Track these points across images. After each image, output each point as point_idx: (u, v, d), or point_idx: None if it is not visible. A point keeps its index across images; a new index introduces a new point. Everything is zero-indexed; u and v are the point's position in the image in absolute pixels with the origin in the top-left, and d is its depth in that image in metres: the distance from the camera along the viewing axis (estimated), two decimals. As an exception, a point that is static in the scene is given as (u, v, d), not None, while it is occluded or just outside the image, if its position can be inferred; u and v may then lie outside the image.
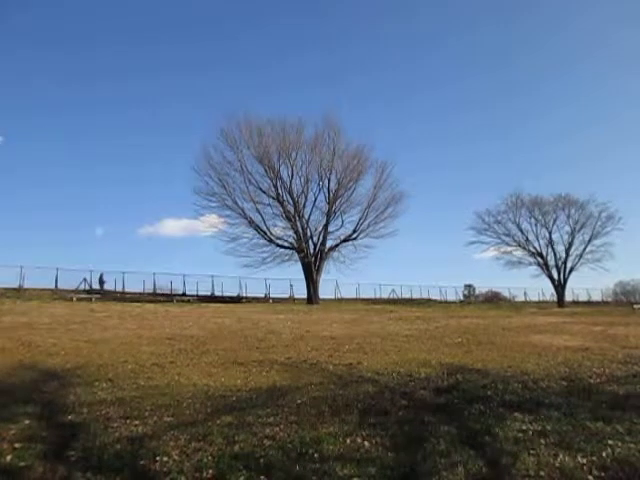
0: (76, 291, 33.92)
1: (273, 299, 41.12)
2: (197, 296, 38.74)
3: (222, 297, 39.98)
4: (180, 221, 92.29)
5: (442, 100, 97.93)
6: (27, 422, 5.72)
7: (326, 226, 41.41)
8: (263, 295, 42.65)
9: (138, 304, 27.51)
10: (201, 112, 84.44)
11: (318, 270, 40.43)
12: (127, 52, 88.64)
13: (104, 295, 33.25)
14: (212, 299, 37.94)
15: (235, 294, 41.74)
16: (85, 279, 36.78)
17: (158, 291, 40.53)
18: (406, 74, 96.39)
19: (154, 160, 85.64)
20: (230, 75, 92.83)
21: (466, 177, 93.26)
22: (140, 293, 38.52)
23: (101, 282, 39.28)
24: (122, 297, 34.47)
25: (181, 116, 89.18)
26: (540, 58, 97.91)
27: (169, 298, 35.71)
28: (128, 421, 5.72)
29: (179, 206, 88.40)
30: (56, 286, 34.79)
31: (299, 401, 6.74)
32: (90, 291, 34.92)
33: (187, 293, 40.17)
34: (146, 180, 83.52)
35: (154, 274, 40.87)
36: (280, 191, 40.76)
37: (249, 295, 41.93)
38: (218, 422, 5.66)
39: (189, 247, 77.66)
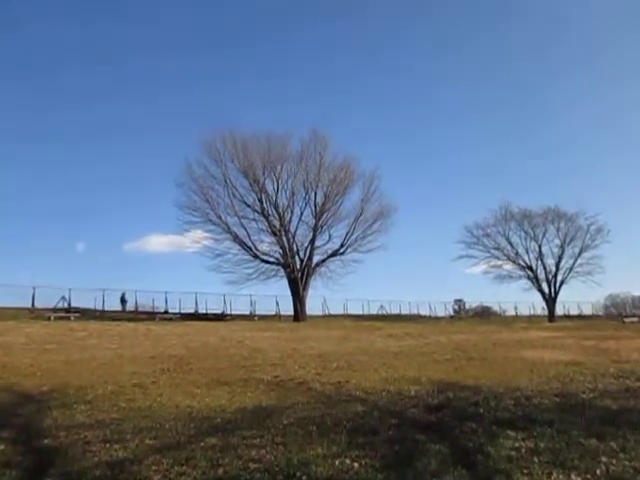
0: (54, 310, 33.43)
1: (259, 316, 40.86)
2: (180, 314, 38.36)
3: (206, 315, 39.64)
4: (166, 237, 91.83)
5: (429, 112, 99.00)
6: (1, 447, 5.59)
7: (313, 241, 41.42)
8: (248, 312, 42.35)
9: (118, 323, 27.18)
10: (187, 125, 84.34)
11: (305, 286, 40.34)
12: (113, 66, 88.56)
13: (83, 314, 32.82)
14: (195, 317, 37.62)
15: (219, 311, 41.43)
16: (63, 297, 36.28)
17: (140, 309, 40.11)
18: (392, 87, 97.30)
19: (140, 175, 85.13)
20: (214, 89, 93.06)
21: (456, 190, 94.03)
22: (121, 311, 38.10)
23: (123, 301, 38.84)
24: (102, 316, 34.05)
25: (167, 130, 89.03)
26: (534, 68, 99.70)
27: (151, 316, 35.29)
28: (108, 445, 5.62)
29: (165, 221, 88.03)
30: (33, 305, 34.26)
31: (286, 421, 6.68)
32: (69, 310, 34.43)
33: (170, 311, 39.75)
34: (132, 194, 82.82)
35: (135, 292, 40.52)
36: (265, 205, 40.82)
37: (234, 312, 41.61)
38: (202, 445, 5.59)
39: (175, 263, 77.15)
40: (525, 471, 4.64)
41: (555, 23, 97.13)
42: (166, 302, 41.10)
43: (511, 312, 57.29)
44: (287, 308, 41.55)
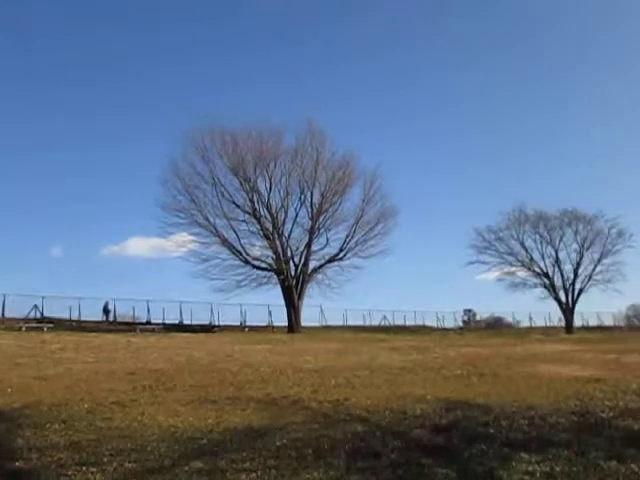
0: (26, 320, 33.36)
1: (249, 327, 40.89)
2: (163, 325, 38.41)
3: (191, 326, 39.65)
4: (147, 240, 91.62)
5: (436, 108, 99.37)
6: (-33, 471, 5.59)
7: (309, 245, 41.48)
8: (238, 323, 42.38)
9: (96, 334, 27.17)
10: (171, 118, 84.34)
11: (300, 294, 40.34)
12: (91, 53, 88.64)
13: (57, 324, 32.77)
14: (180, 328, 37.64)
15: (206, 322, 41.40)
16: (36, 306, 36.28)
17: (119, 319, 40.11)
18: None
19: (120, 172, 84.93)
20: (201, 80, 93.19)
21: (466, 191, 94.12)
22: (99, 322, 38.09)
23: (106, 311, 38.82)
24: (78, 326, 34.02)
25: (150, 123, 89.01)
26: (559, 75, 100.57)
27: (131, 327, 35.30)
28: (84, 468, 5.61)
29: (147, 223, 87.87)
30: (3, 314, 34.26)
31: (279, 443, 6.68)
32: (42, 320, 34.37)
33: (152, 321, 39.80)
34: (111, 194, 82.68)
35: (114, 300, 40.57)
36: (257, 206, 40.84)
37: (222, 323, 41.66)
38: (186, 468, 5.59)
39: (157, 269, 76.99)
40: (540, 497, 4.66)
41: (589, 31, 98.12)
42: (148, 312, 41.30)
43: (525, 323, 57.50)
44: (281, 319, 41.68)
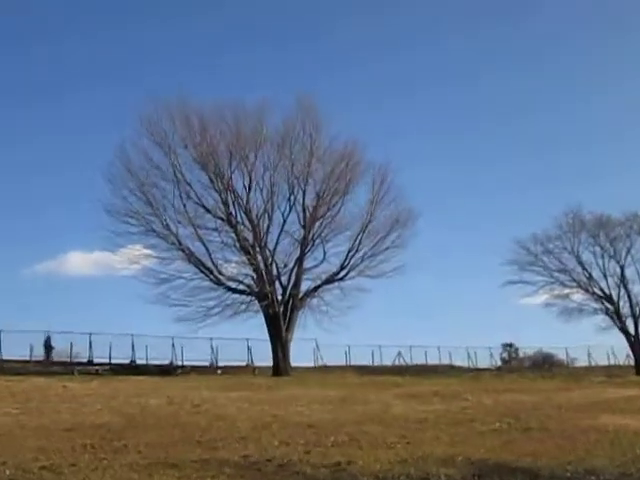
0: None
1: (223, 369, 40.78)
2: (110, 365, 38.33)
3: (147, 367, 39.53)
4: (89, 255, 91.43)
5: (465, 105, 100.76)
6: None
7: (300, 260, 41.34)
8: (208, 363, 42.31)
9: (21, 378, 27.09)
10: (122, 95, 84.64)
11: (289, 325, 40.18)
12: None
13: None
14: (132, 369, 37.53)
15: (166, 362, 41.31)
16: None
17: (53, 358, 39.90)
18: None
19: (55, 166, 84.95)
20: (158, 44, 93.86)
21: (505, 192, 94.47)
22: (26, 361, 37.95)
23: (47, 347, 38.63)
24: (-2, 367, 33.95)
25: (94, 101, 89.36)
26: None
27: (68, 368, 35.27)
28: None
29: (89, 233, 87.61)
30: None
31: (262, 520, 6.67)
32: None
33: (95, 361, 39.71)
34: (42, 195, 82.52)
35: (47, 333, 40.44)
36: (232, 210, 40.70)
37: (187, 363, 41.59)
38: None
39: (102, 292, 76.62)
40: None
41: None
42: (90, 348, 41.18)
43: (583, 361, 57.65)
44: (264, 357, 41.55)
